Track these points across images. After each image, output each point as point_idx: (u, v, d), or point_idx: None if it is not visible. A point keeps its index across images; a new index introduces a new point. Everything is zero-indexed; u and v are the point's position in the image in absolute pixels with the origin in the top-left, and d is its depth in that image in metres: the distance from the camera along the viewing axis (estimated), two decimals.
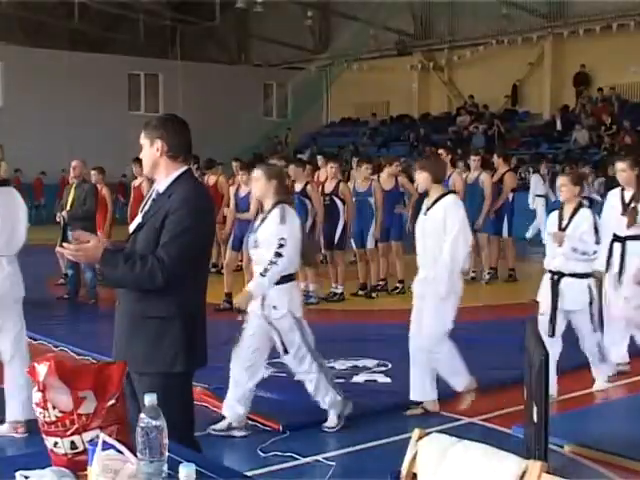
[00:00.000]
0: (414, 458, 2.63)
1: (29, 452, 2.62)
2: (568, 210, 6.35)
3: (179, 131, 3.57)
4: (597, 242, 6.19)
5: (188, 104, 24.36)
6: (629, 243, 6.90)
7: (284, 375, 6.92)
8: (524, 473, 2.38)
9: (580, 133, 22.93)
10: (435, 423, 5.60)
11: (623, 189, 7.03)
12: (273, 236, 5.29)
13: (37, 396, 2.43)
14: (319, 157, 13.10)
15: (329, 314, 10.11)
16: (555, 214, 6.49)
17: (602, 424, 5.85)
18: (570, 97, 25.14)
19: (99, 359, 6.20)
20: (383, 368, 7.11)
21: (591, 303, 6.29)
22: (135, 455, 2.23)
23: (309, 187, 10.51)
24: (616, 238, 6.95)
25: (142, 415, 2.22)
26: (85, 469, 2.29)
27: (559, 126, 24.20)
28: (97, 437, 2.29)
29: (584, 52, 24.34)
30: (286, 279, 5.38)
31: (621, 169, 7.02)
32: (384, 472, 4.21)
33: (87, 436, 2.42)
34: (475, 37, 26.95)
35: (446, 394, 6.23)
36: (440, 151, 11.99)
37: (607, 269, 6.98)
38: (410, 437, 2.69)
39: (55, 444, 2.44)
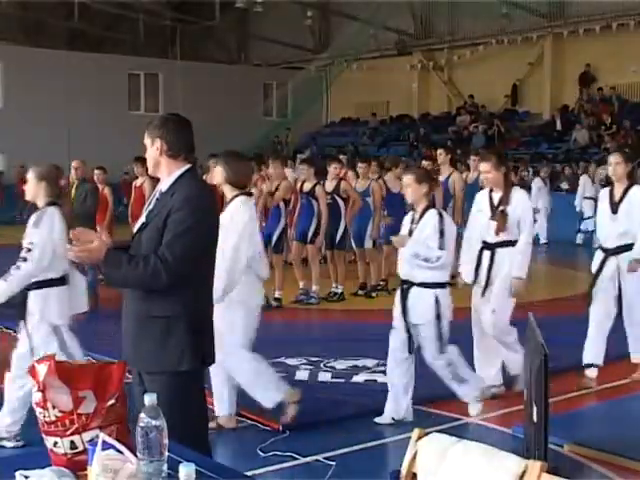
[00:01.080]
0: (414, 458, 2.63)
1: (29, 452, 2.62)
2: (418, 212, 5.77)
3: (179, 130, 3.58)
4: (441, 247, 5.54)
5: (188, 104, 24.32)
6: (499, 251, 6.26)
7: (284, 375, 6.93)
8: (524, 473, 2.38)
9: (580, 133, 22.94)
10: (435, 423, 5.60)
11: (492, 190, 6.39)
12: (25, 239, 5.11)
13: (37, 396, 2.43)
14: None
15: (329, 314, 10.12)
16: (409, 216, 5.89)
17: (602, 424, 5.86)
18: (570, 97, 25.14)
19: (99, 359, 6.20)
20: (383, 368, 7.07)
21: (438, 317, 5.59)
22: (135, 455, 2.23)
23: (318, 188, 10.50)
24: (485, 245, 6.34)
25: (142, 415, 2.22)
26: (85, 469, 2.29)
27: (559, 126, 24.21)
28: (97, 437, 2.29)
29: (584, 52, 24.35)
30: (42, 285, 5.13)
31: (485, 170, 6.34)
32: (384, 472, 4.21)
33: (87, 436, 2.42)
34: (475, 37, 26.96)
35: (446, 395, 6.23)
36: (439, 151, 11.99)
37: (475, 280, 6.34)
38: (410, 437, 2.69)
39: (55, 444, 2.44)
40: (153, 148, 3.55)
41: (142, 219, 3.57)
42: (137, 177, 12.30)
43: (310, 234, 10.52)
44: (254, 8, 28.59)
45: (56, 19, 30.33)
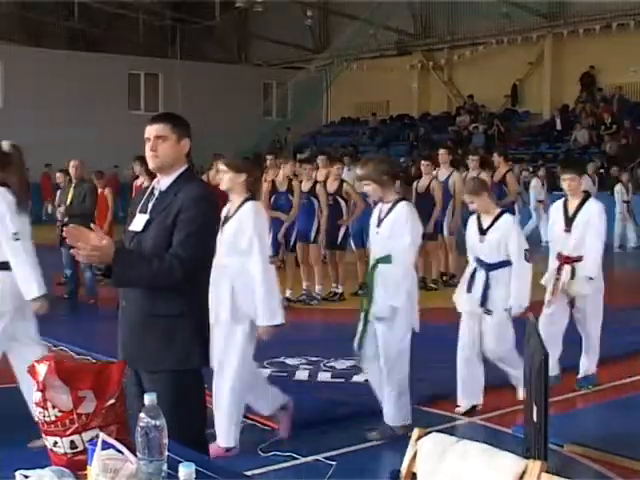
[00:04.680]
0: (414, 457, 2.63)
1: (29, 452, 2.62)
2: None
3: None
4: None
5: (188, 103, 24.35)
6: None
7: (284, 375, 6.93)
8: (524, 473, 2.38)
9: (580, 133, 22.94)
10: (435, 423, 5.60)
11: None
12: None
13: (37, 396, 2.43)
14: (320, 157, 13.00)
15: (329, 314, 10.11)
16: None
17: (602, 424, 5.85)
18: (570, 97, 25.15)
19: (99, 359, 6.20)
20: None
21: None
22: (135, 455, 2.23)
23: (318, 187, 10.51)
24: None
25: (142, 414, 2.22)
26: (85, 469, 2.29)
27: (559, 126, 24.21)
28: (97, 436, 2.29)
29: (584, 52, 24.35)
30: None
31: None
32: (384, 472, 4.21)
33: (87, 435, 2.42)
34: (475, 36, 26.97)
35: (446, 394, 6.23)
36: (441, 151, 11.97)
37: None
38: (410, 436, 2.69)
39: (55, 444, 2.44)
40: (179, 146, 3.52)
41: (145, 217, 3.51)
42: (137, 176, 12.30)
43: (313, 234, 10.51)
44: (254, 8, 28.58)
45: (56, 19, 30.34)
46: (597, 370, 6.71)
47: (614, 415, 6.12)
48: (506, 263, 5.93)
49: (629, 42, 22.91)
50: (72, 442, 2.42)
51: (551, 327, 6.36)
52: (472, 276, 6.05)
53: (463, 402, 6.03)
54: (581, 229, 6.40)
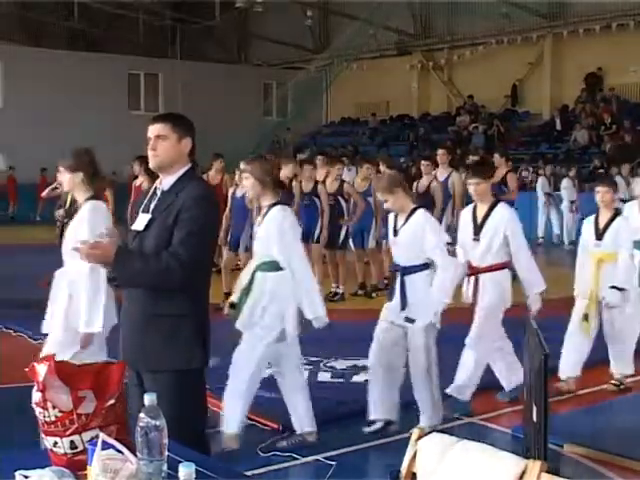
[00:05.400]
0: (414, 457, 2.63)
1: (29, 452, 2.62)
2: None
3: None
4: None
5: (188, 104, 24.33)
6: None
7: None
8: (523, 473, 2.38)
9: (580, 133, 22.93)
10: None
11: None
12: None
13: (37, 396, 2.43)
14: (319, 157, 13.02)
15: (329, 314, 10.08)
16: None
17: (602, 424, 5.86)
18: (570, 97, 25.15)
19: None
20: None
21: None
22: (135, 455, 2.23)
23: (319, 187, 10.52)
24: None
25: (142, 415, 2.22)
26: (85, 469, 2.29)
27: (559, 126, 24.21)
28: (97, 437, 2.29)
29: (584, 52, 24.35)
30: None
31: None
32: (384, 472, 4.21)
33: (87, 436, 2.42)
34: (475, 37, 26.98)
35: (445, 394, 6.22)
36: (440, 151, 11.97)
37: None
38: (410, 437, 2.69)
39: (55, 444, 2.44)
40: (180, 145, 3.52)
41: (147, 216, 3.51)
42: (137, 176, 12.28)
43: (317, 234, 10.51)
44: (254, 8, 28.60)
45: (56, 19, 30.36)
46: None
47: (614, 415, 6.13)
48: (423, 267, 5.40)
49: (629, 42, 22.92)
50: (72, 442, 2.42)
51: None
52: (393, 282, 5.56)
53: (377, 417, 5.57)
54: (489, 237, 6.07)
